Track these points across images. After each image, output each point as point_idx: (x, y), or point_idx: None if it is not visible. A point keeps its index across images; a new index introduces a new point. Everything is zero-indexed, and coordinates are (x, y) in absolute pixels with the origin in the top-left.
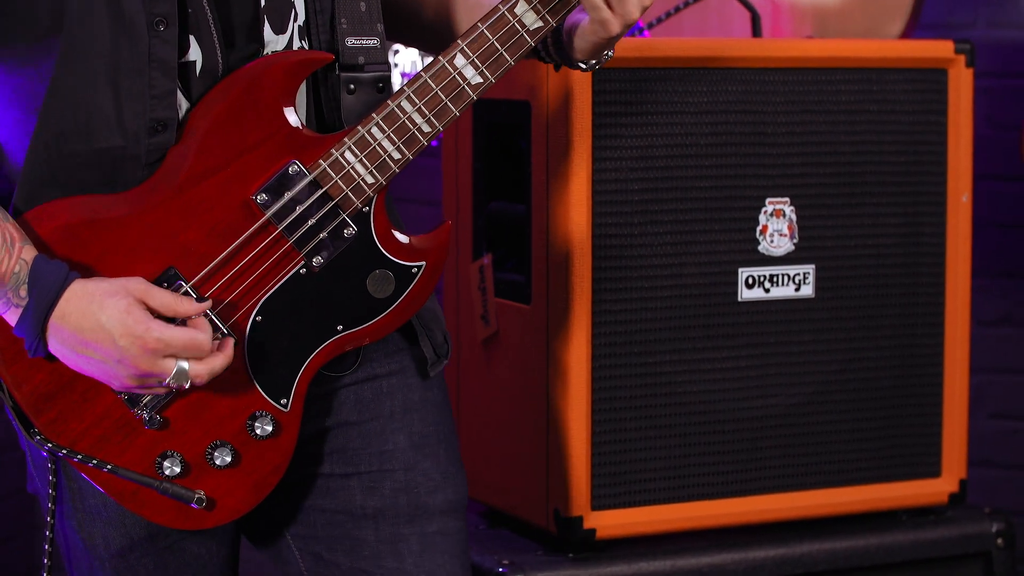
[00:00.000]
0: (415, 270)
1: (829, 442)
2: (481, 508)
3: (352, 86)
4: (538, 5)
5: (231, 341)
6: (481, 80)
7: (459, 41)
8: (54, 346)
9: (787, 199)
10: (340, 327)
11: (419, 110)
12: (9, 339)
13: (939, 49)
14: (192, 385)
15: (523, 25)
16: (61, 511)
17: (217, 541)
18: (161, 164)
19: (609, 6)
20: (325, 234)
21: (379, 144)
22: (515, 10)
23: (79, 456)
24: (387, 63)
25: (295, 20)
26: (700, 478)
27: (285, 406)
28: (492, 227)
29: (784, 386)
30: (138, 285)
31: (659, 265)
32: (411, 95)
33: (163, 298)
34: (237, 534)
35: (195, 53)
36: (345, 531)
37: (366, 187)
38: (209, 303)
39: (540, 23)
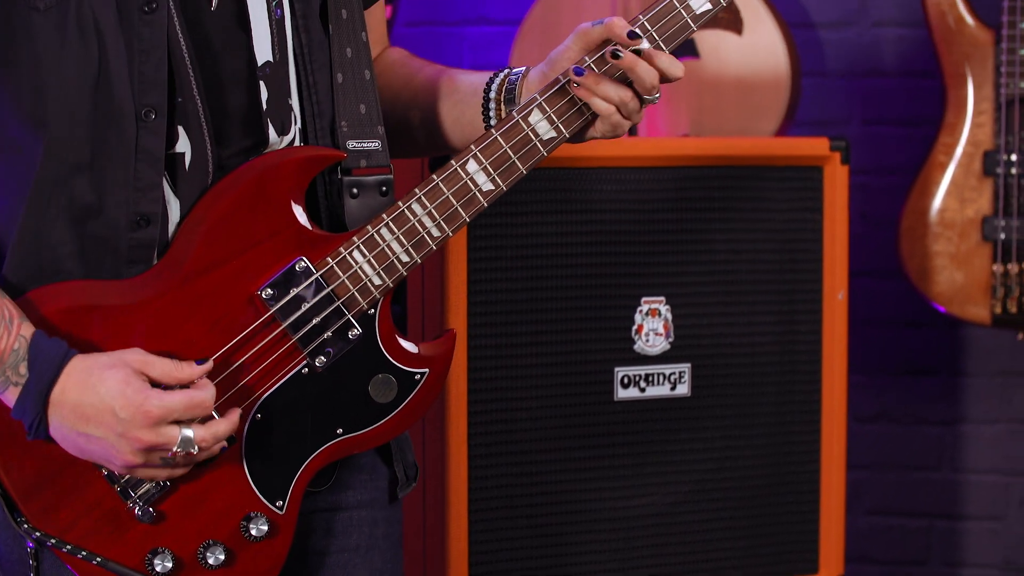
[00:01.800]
0: (418, 377)
1: (706, 540)
2: None
3: (355, 190)
4: (552, 115)
5: (236, 410)
6: (492, 187)
7: (472, 146)
8: (54, 426)
9: (662, 298)
10: (340, 431)
11: (429, 213)
12: (2, 422)
13: (814, 147)
14: (198, 451)
15: (536, 134)
16: None
17: None
18: (167, 252)
19: (621, 113)
20: (329, 334)
21: (388, 245)
22: (529, 119)
23: (68, 547)
24: (389, 166)
25: (295, 124)
26: None
27: (281, 508)
28: None
29: (661, 485)
30: (135, 356)
31: (535, 364)
32: (422, 198)
33: (163, 366)
34: None
35: (183, 145)
36: None
37: (373, 288)
38: (211, 364)
39: (554, 133)
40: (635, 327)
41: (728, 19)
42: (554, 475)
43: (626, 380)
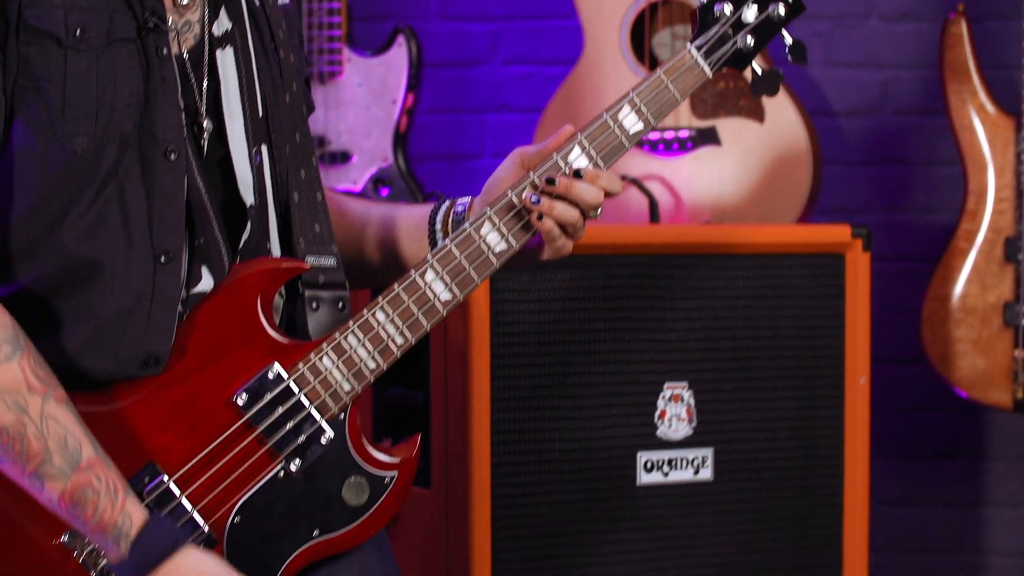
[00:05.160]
0: (387, 480)
1: None
2: None
3: (315, 304)
4: (502, 228)
5: None
6: (450, 296)
7: (429, 256)
8: None
9: (685, 383)
10: (316, 532)
11: (392, 321)
12: None
13: (836, 234)
14: None
15: (488, 246)
16: None
17: None
18: None
19: (566, 233)
20: (303, 438)
21: (355, 351)
22: (481, 231)
23: None
24: (345, 284)
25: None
26: None
27: None
28: (390, 414)
29: (683, 569)
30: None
31: (558, 450)
32: (385, 306)
33: None
34: None
35: (207, 283)
36: None
37: (343, 394)
38: None
39: (504, 245)
40: (658, 412)
41: (749, 107)
42: (577, 559)
43: (649, 465)
